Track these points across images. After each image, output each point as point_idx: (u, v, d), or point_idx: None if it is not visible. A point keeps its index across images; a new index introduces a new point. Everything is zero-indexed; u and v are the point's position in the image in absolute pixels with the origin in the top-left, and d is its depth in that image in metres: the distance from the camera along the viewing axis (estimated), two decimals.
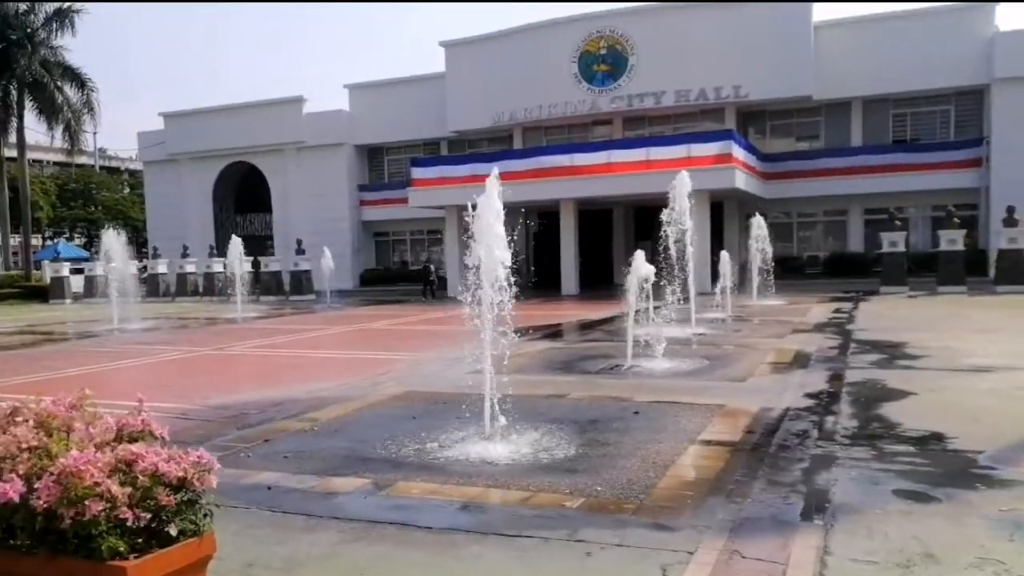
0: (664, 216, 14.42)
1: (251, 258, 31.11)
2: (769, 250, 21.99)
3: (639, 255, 10.93)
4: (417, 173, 30.77)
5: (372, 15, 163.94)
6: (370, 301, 29.03)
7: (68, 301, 33.49)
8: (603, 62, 32.86)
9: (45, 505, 2.97)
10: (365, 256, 41.20)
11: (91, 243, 63.54)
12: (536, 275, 37.18)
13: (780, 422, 6.91)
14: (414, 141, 39.53)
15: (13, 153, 38.28)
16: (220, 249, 36.47)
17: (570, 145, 30.80)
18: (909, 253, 25.78)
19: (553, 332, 15.60)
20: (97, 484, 2.95)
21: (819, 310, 18.52)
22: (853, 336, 13.06)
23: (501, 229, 6.76)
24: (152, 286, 34.80)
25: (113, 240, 21.80)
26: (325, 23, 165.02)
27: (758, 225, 21.64)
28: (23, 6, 35.07)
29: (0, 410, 3.64)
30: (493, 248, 6.78)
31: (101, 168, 72.00)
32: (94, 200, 62.39)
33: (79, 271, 37.31)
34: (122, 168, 77.57)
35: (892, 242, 24.31)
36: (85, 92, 36.37)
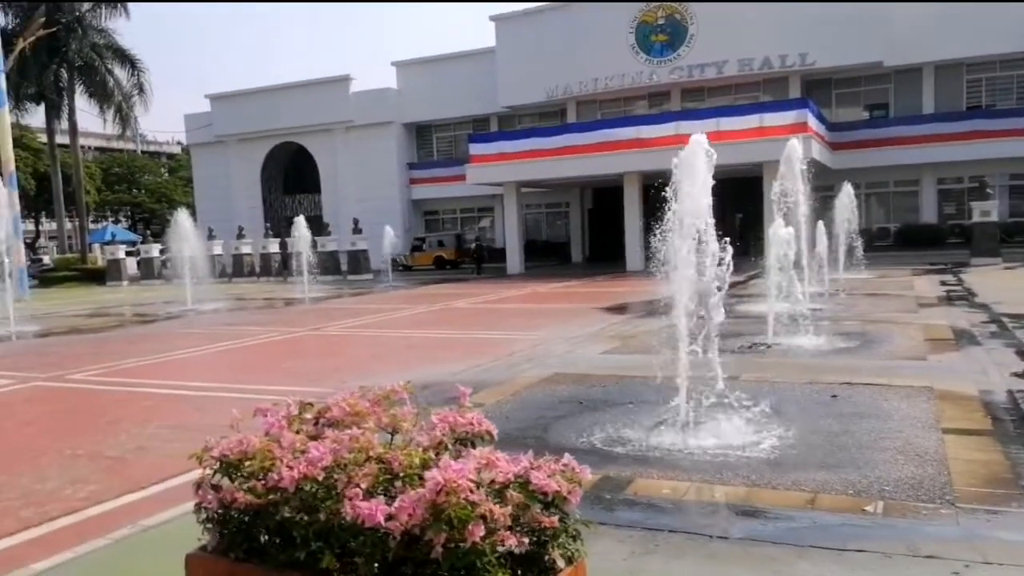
0: (776, 187, 13.56)
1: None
2: (856, 221, 20.93)
3: (778, 225, 10.13)
4: (475, 149, 29.99)
5: None
6: (427, 280, 28.41)
7: (125, 283, 33.34)
8: (661, 32, 31.77)
9: (404, 528, 2.33)
10: (415, 235, 40.65)
11: (135, 226, 63.83)
12: (591, 251, 36.51)
13: (1017, 407, 6.14)
14: (463, 118, 38.74)
15: (63, 140, 38.18)
16: (275, 230, 36.17)
17: (636, 117, 29.85)
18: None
19: (655, 309, 14.81)
20: (474, 503, 2.30)
21: (923, 283, 17.58)
22: (992, 309, 12.16)
23: (707, 197, 6.02)
24: (208, 267, 34.50)
25: (183, 221, 21.35)
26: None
27: (848, 195, 20.56)
28: None
29: (281, 406, 3.01)
30: (698, 218, 6.02)
31: (141, 152, 72.16)
32: (138, 184, 62.48)
33: (132, 253, 37.20)
34: (161, 152, 77.77)
35: (984, 211, 23.17)
36: (136, 74, 35.96)
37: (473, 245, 34.22)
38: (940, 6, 29.15)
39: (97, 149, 69.21)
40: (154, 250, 34.99)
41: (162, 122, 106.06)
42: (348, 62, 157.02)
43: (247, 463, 2.52)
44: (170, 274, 30.41)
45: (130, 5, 35.48)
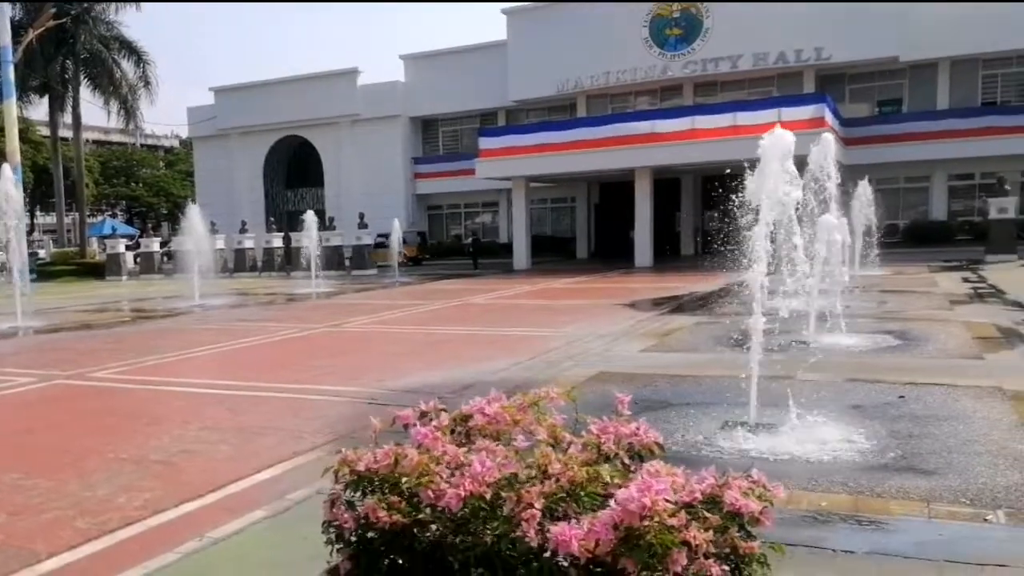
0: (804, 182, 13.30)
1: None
2: (874, 219, 20.74)
3: (826, 220, 9.90)
4: (485, 143, 29.74)
5: None
6: (432, 275, 28.10)
7: (124, 278, 32.97)
8: (676, 26, 31.62)
9: (591, 555, 2.08)
10: (418, 229, 40.40)
11: (132, 219, 63.39)
12: (597, 247, 36.29)
13: None
14: (471, 112, 38.51)
15: (64, 132, 37.69)
16: (277, 224, 35.84)
17: (650, 111, 29.66)
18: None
19: (680, 306, 14.63)
20: (673, 527, 2.05)
21: (944, 280, 17.42)
22: None
23: (795, 192, 5.78)
24: (210, 261, 34.12)
25: (194, 216, 21.03)
26: None
27: (864, 191, 20.35)
28: None
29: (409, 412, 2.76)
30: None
31: (140, 146, 71.61)
32: (136, 177, 62.00)
33: (130, 247, 36.82)
34: (159, 145, 77.23)
35: (1001, 208, 23.00)
36: (142, 66, 35.55)
37: (470, 240, 34.39)
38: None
39: (95, 142, 68.67)
40: (154, 244, 34.62)
41: (160, 115, 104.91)
42: (355, 55, 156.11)
43: (403, 480, 2.26)
44: (170, 269, 30.08)
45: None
